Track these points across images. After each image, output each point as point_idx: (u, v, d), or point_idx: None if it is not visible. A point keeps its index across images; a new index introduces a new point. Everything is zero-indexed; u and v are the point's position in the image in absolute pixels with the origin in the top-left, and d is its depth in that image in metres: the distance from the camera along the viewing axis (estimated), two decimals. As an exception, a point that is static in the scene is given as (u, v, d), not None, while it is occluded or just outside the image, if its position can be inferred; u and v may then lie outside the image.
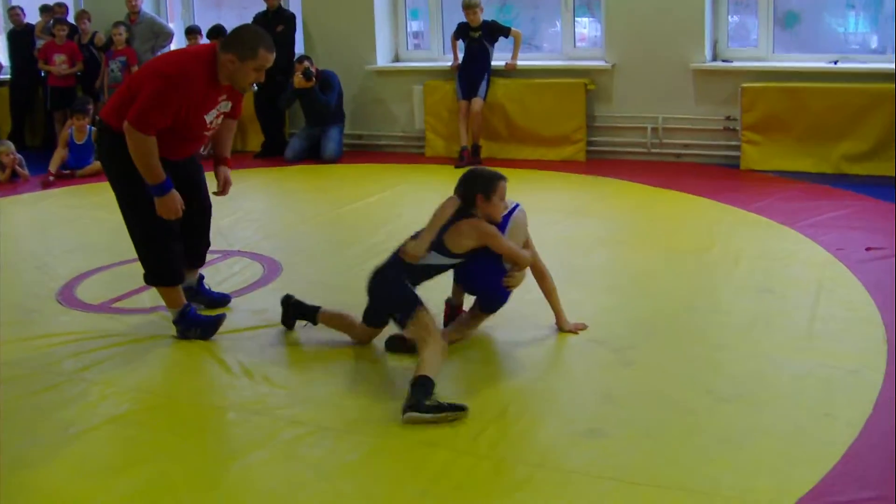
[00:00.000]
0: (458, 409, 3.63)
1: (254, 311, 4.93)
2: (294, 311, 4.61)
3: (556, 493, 3.12)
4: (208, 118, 4.40)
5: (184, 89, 4.20)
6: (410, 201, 7.80)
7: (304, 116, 9.83)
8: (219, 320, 4.65)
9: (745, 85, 8.49)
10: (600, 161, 9.10)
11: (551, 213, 6.75)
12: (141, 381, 4.11)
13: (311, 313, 4.57)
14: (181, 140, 4.40)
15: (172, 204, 4.33)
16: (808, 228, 6.23)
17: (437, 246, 4.19)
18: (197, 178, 4.74)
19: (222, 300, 5.06)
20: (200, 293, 5.01)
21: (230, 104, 4.52)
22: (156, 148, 4.20)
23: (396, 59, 10.38)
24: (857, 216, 6.66)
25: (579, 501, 3.06)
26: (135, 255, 4.61)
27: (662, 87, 8.97)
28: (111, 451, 3.52)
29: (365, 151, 10.14)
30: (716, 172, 8.50)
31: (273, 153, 9.93)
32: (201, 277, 5.06)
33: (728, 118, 8.80)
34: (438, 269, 4.28)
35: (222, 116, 4.51)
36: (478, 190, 4.25)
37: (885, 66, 8.25)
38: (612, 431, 3.53)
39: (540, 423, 3.67)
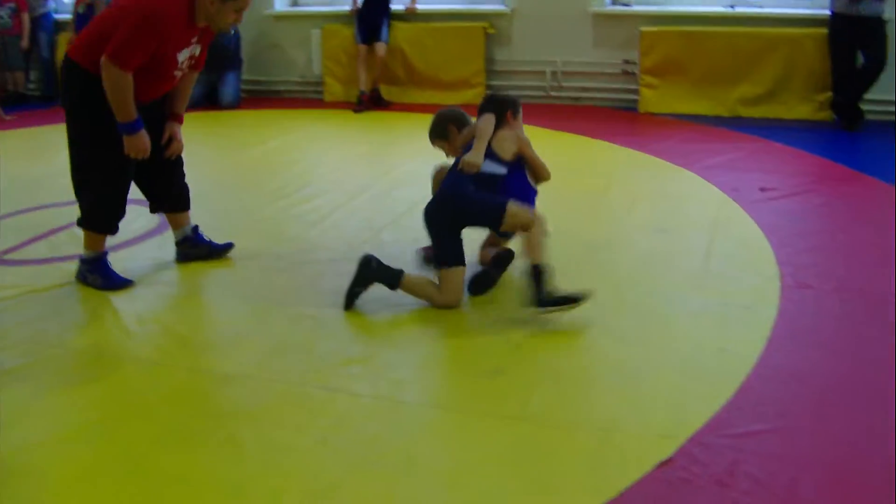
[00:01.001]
0: (576, 300, 3.92)
1: (152, 259, 4.83)
2: (375, 275, 4.18)
3: (458, 434, 3.13)
4: (180, 58, 4.30)
5: (163, 26, 4.10)
6: (310, 146, 7.73)
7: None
8: (125, 284, 4.51)
9: (643, 29, 8.56)
10: (500, 105, 9.08)
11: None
12: (35, 332, 3.99)
13: (393, 278, 4.18)
14: (152, 80, 4.28)
15: (142, 142, 4.26)
16: (704, 170, 6.31)
17: (489, 154, 4.35)
18: (163, 122, 4.61)
19: (225, 249, 4.92)
20: (199, 243, 4.87)
21: (199, 48, 4.42)
22: (132, 85, 4.11)
23: (295, 4, 10.23)
24: (752, 158, 6.77)
25: (481, 439, 3.07)
26: (25, 206, 4.47)
27: (561, 31, 8.99)
28: (3, 405, 3.41)
29: (263, 97, 10.01)
30: (614, 115, 8.58)
31: (170, 100, 9.73)
32: (196, 227, 4.90)
33: (626, 62, 8.86)
34: (493, 178, 4.33)
35: (188, 63, 4.40)
36: (508, 108, 4.58)
37: (781, 10, 8.37)
38: (514, 371, 3.55)
39: (443, 365, 3.67)
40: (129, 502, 2.77)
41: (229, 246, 4.92)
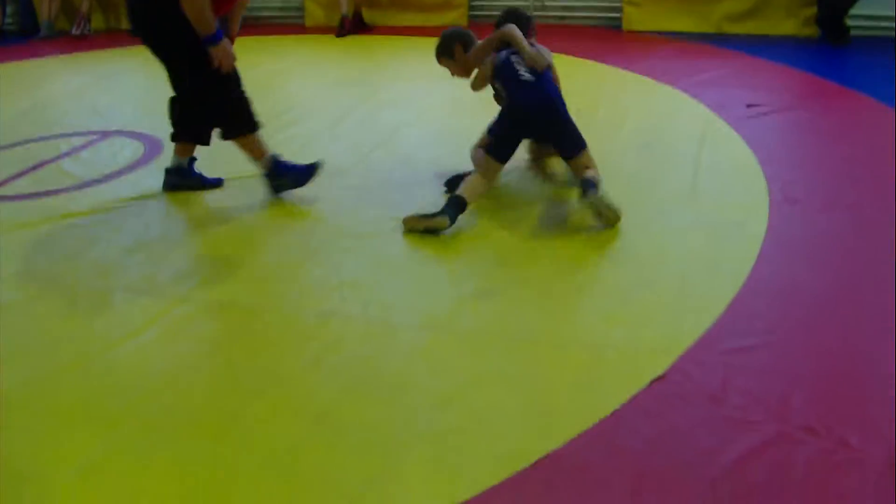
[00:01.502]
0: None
1: (137, 190, 4.79)
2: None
3: (450, 355, 3.13)
4: None
5: None
6: (292, 72, 7.66)
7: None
8: (311, 169, 4.60)
9: (626, -55, 8.47)
10: (483, 25, 8.97)
11: (435, 79, 6.67)
12: (23, 268, 3.96)
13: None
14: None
15: (228, 49, 4.33)
16: (690, 87, 6.27)
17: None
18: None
19: (216, 184, 4.84)
20: (191, 175, 4.82)
21: None
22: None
23: (273, -73, 10.07)
24: (737, 74, 6.73)
25: (474, 360, 3.08)
26: (6, 142, 4.41)
27: (545, -51, 8.89)
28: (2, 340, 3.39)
29: (244, 24, 9.80)
30: (599, 34, 8.51)
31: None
32: (193, 159, 4.85)
33: (610, -21, 8.78)
34: None
35: None
36: (529, 23, 4.79)
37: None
38: (505, 292, 3.55)
39: (434, 287, 3.67)
40: (127, 432, 2.78)
41: (219, 182, 4.86)
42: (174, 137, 4.76)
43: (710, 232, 3.98)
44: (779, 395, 2.80)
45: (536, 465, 2.54)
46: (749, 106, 5.83)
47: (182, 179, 4.79)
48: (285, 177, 4.59)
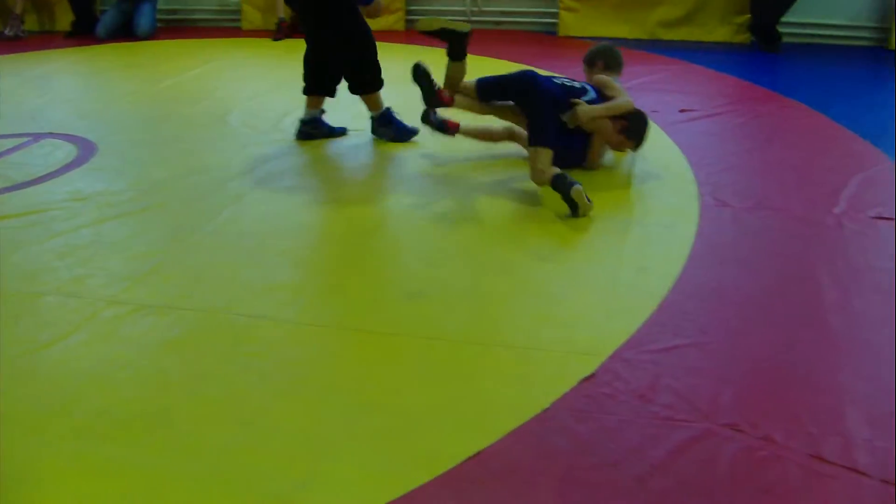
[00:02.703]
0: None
1: (69, 192, 4.74)
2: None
3: (381, 356, 3.14)
4: None
5: None
6: (228, 75, 7.61)
7: (114, -10, 9.42)
8: (413, 131, 5.40)
9: (561, -49, 8.53)
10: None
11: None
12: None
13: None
14: None
15: (379, 6, 5.26)
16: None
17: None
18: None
19: (342, 132, 5.58)
20: (322, 125, 5.54)
21: None
22: None
23: (210, -71, 10.02)
24: (671, 80, 6.82)
25: (403, 362, 3.09)
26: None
27: (481, -45, 8.92)
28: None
29: (180, 27, 9.80)
30: (535, 39, 8.57)
31: (84, 31, 9.45)
32: (323, 111, 5.56)
33: (546, -15, 8.84)
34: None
35: None
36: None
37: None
38: (435, 293, 3.56)
39: (364, 289, 3.66)
40: (54, 434, 2.74)
41: (344, 130, 5.59)
42: (307, 91, 5.45)
43: (642, 234, 4.02)
44: (706, 394, 2.84)
45: (465, 464, 2.55)
46: (682, 111, 5.90)
47: (315, 129, 5.48)
48: (388, 127, 5.41)
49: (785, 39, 8.04)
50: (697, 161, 4.91)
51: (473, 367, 3.05)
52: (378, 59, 5.31)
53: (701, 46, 8.07)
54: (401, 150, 5.22)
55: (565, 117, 4.61)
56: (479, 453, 2.59)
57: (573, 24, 8.61)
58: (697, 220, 4.14)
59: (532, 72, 4.80)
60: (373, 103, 5.41)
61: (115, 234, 4.21)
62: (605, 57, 5.19)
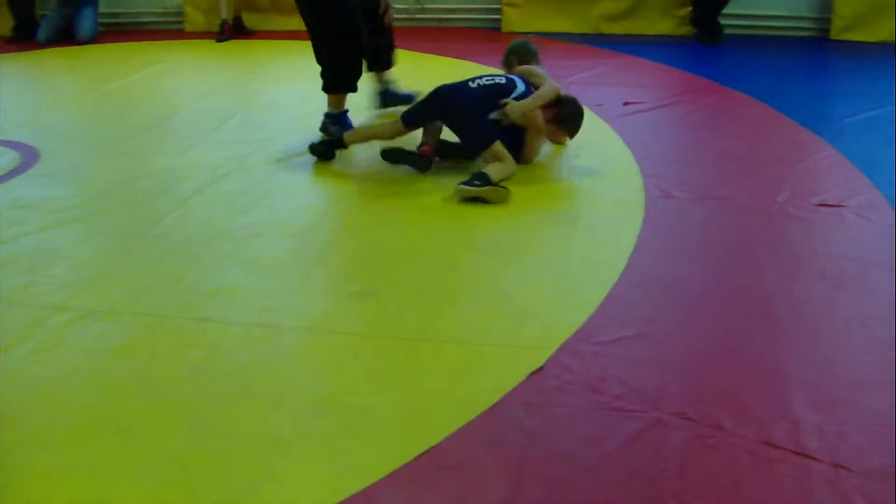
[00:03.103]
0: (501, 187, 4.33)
1: (11, 200, 4.67)
2: (327, 148, 5.00)
3: (331, 356, 3.13)
4: None
5: None
6: (172, 78, 7.55)
7: (54, -6, 9.29)
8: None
9: (503, -53, 8.54)
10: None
11: (315, 81, 6.67)
12: None
13: (338, 143, 5.02)
14: None
15: None
16: (568, 86, 6.29)
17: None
18: None
19: (409, 98, 5.72)
20: (389, 93, 5.86)
21: None
22: None
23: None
24: (615, 73, 6.86)
25: (353, 361, 3.08)
26: None
27: (423, -47, 8.92)
28: None
29: (123, 30, 9.68)
30: (479, 36, 8.57)
31: (25, 36, 9.31)
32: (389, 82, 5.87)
33: (488, -19, 8.85)
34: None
35: None
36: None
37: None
38: (383, 292, 3.55)
39: (313, 289, 3.65)
40: (3, 444, 2.70)
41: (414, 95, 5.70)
42: (371, 68, 5.68)
43: (588, 227, 4.05)
44: (655, 384, 2.86)
45: (417, 461, 2.55)
46: (626, 103, 5.93)
47: (384, 97, 5.84)
48: (340, 126, 5.31)
49: (727, 31, 8.11)
50: (642, 153, 4.94)
51: (423, 365, 3.04)
52: (347, 63, 5.24)
53: (644, 39, 8.13)
54: (344, 149, 5.20)
55: (496, 114, 4.61)
56: (430, 449, 2.59)
57: (516, 19, 8.62)
58: (643, 212, 4.16)
59: (444, 86, 4.81)
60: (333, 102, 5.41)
61: (59, 242, 4.15)
62: (517, 53, 5.34)
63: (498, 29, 8.65)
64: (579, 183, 4.58)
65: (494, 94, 4.72)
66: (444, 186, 4.53)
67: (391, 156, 4.84)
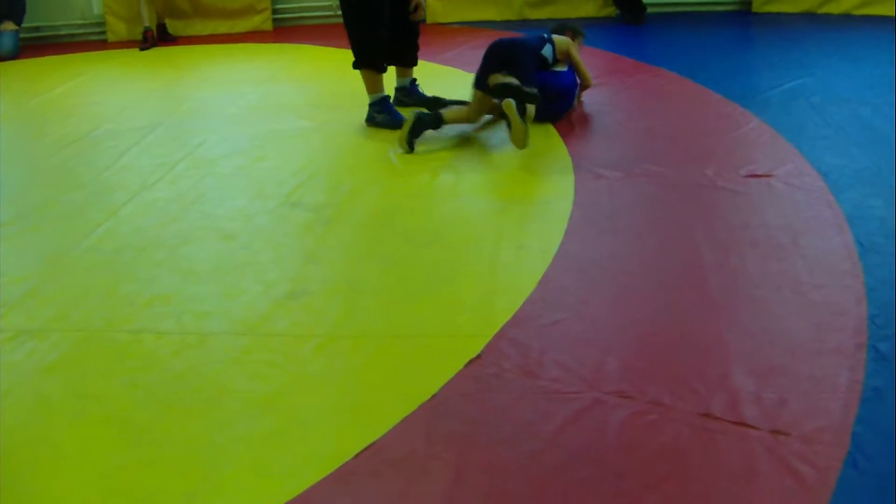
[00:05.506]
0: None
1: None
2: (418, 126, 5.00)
3: (267, 358, 3.09)
4: None
5: None
6: (96, 90, 7.45)
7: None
8: (405, 121, 5.16)
9: (423, -62, 8.52)
10: (288, 28, 8.99)
11: (242, 83, 6.64)
12: None
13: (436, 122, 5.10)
14: None
15: None
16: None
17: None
18: None
19: (435, 102, 5.74)
20: (413, 93, 5.88)
21: None
22: None
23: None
24: (542, 58, 6.84)
25: (290, 361, 3.05)
26: None
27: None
28: None
29: (45, 44, 9.55)
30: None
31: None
32: (414, 80, 5.89)
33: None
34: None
35: None
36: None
37: None
38: (315, 291, 3.53)
39: (244, 293, 3.61)
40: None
41: (440, 101, 5.74)
42: (395, 62, 5.76)
43: (519, 212, 4.06)
44: (592, 365, 2.86)
45: (359, 458, 2.53)
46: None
47: (406, 97, 5.86)
48: (385, 114, 5.49)
49: (650, 10, 8.16)
50: (570, 136, 4.96)
51: (361, 361, 3.03)
52: (359, 39, 5.43)
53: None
54: (271, 150, 5.17)
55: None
56: (371, 445, 2.57)
57: (441, 11, 8.62)
58: (573, 194, 4.17)
59: (498, 39, 5.34)
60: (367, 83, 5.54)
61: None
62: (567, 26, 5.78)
63: (423, 21, 8.62)
64: (508, 168, 4.58)
65: (531, 36, 5.34)
66: (368, 180, 4.52)
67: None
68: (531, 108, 4.87)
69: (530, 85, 4.81)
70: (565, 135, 4.99)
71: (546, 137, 4.98)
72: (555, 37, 5.40)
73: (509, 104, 4.61)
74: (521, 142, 4.63)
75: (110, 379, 3.05)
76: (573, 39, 5.52)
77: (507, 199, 4.24)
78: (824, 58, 6.38)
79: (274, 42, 8.43)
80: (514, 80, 4.80)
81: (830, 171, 4.22)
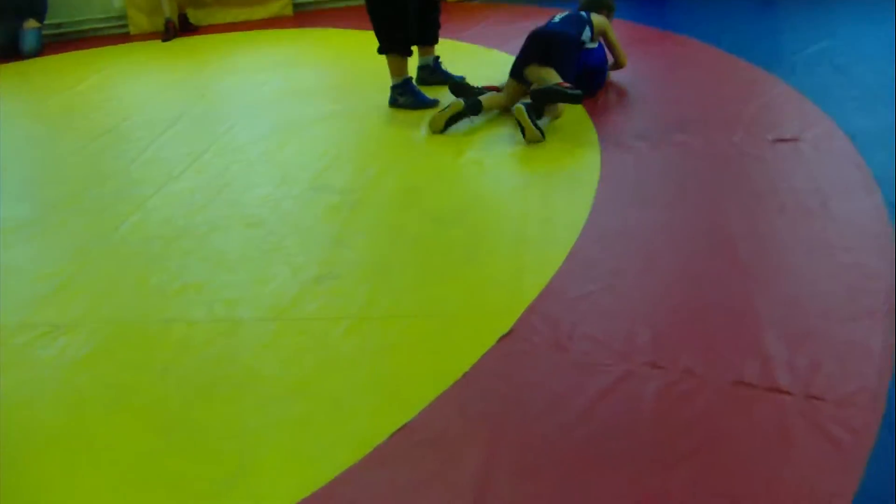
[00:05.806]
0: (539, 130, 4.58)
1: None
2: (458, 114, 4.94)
3: (298, 342, 3.10)
4: None
5: None
6: (120, 83, 7.49)
7: (-2, 10, 9.18)
8: (432, 104, 5.35)
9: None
10: (308, 13, 8.99)
11: (264, 70, 6.65)
12: None
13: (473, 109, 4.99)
14: None
15: None
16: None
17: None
18: None
19: (460, 82, 5.57)
20: (437, 71, 5.88)
21: None
22: None
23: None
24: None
25: (321, 345, 3.05)
26: None
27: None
28: None
29: (68, 40, 9.59)
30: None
31: (-30, 56, 9.23)
32: (437, 58, 5.90)
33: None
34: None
35: None
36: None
37: None
38: (344, 273, 3.53)
39: (274, 278, 3.61)
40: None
41: (462, 80, 5.64)
42: (418, 41, 5.70)
43: (545, 187, 4.04)
44: (623, 336, 2.85)
45: (392, 439, 2.54)
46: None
47: (429, 75, 5.87)
48: (409, 96, 5.49)
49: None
50: (594, 108, 4.93)
51: (389, 342, 3.03)
52: (389, 24, 5.40)
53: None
54: (295, 135, 5.17)
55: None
56: (404, 426, 2.58)
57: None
58: (600, 166, 4.15)
59: (536, 29, 5.31)
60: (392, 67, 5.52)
61: (16, 259, 4.11)
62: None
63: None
64: (533, 144, 4.55)
65: (571, 21, 5.26)
66: (401, 162, 4.51)
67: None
68: (560, 106, 4.81)
69: (569, 80, 4.78)
70: (590, 107, 4.96)
71: (571, 110, 4.94)
72: (593, 16, 5.32)
73: (520, 110, 4.54)
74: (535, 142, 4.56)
75: (143, 369, 3.07)
76: (608, 17, 5.49)
77: (534, 174, 4.22)
78: (848, 19, 6.30)
79: (294, 27, 8.43)
80: (553, 84, 4.73)
81: (858, 133, 4.17)
